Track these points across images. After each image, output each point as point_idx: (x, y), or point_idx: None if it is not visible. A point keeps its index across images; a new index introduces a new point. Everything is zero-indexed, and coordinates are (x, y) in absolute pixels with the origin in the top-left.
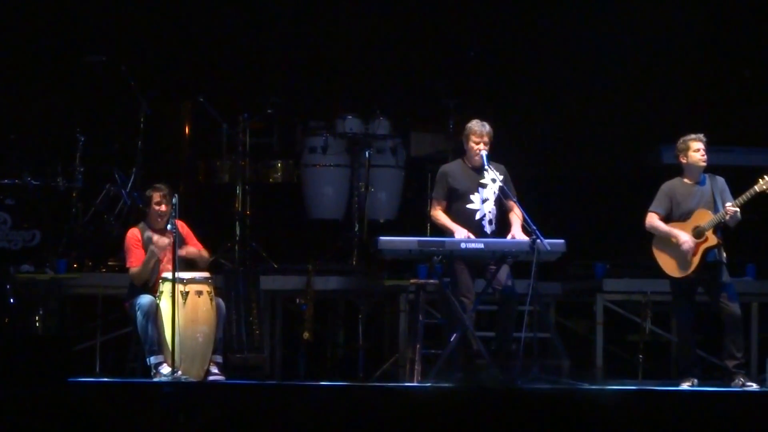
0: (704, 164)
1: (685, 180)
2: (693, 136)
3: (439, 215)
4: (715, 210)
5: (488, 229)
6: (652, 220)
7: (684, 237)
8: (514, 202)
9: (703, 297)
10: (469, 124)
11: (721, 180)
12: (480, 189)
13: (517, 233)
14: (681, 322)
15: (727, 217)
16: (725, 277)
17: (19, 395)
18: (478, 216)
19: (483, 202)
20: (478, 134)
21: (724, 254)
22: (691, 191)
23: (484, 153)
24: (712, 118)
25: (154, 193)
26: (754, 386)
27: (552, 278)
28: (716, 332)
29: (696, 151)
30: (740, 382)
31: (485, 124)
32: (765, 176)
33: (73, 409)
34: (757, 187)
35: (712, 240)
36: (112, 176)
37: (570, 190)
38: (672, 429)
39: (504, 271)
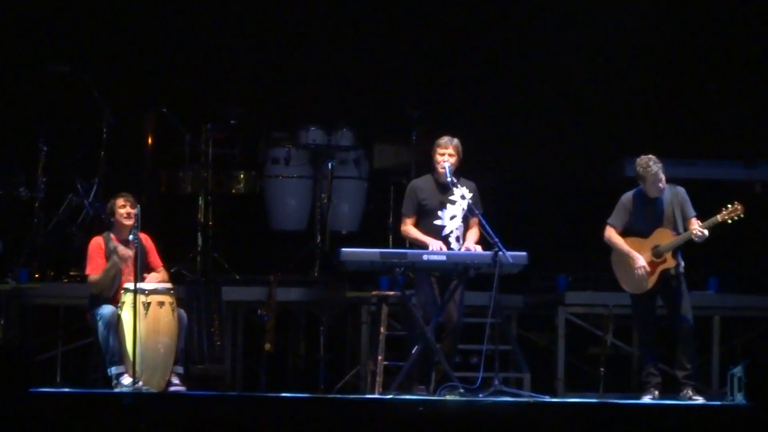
0: (663, 188)
1: (645, 193)
2: (651, 167)
3: (410, 230)
4: (675, 226)
5: (455, 245)
6: (610, 233)
7: (640, 261)
8: (478, 216)
9: (662, 311)
10: (437, 139)
11: (681, 191)
12: (448, 205)
13: (470, 245)
14: (642, 333)
15: (695, 239)
16: (683, 288)
17: None
18: (444, 232)
19: (450, 219)
20: (443, 146)
21: (682, 263)
22: (650, 204)
23: (446, 165)
24: (675, 132)
25: (118, 199)
26: (700, 399)
27: (514, 290)
28: (676, 346)
29: (654, 177)
30: (688, 395)
31: (453, 138)
32: (728, 205)
33: (34, 420)
34: (719, 217)
35: (671, 262)
36: (74, 186)
37: (532, 202)
38: None
39: (456, 301)
